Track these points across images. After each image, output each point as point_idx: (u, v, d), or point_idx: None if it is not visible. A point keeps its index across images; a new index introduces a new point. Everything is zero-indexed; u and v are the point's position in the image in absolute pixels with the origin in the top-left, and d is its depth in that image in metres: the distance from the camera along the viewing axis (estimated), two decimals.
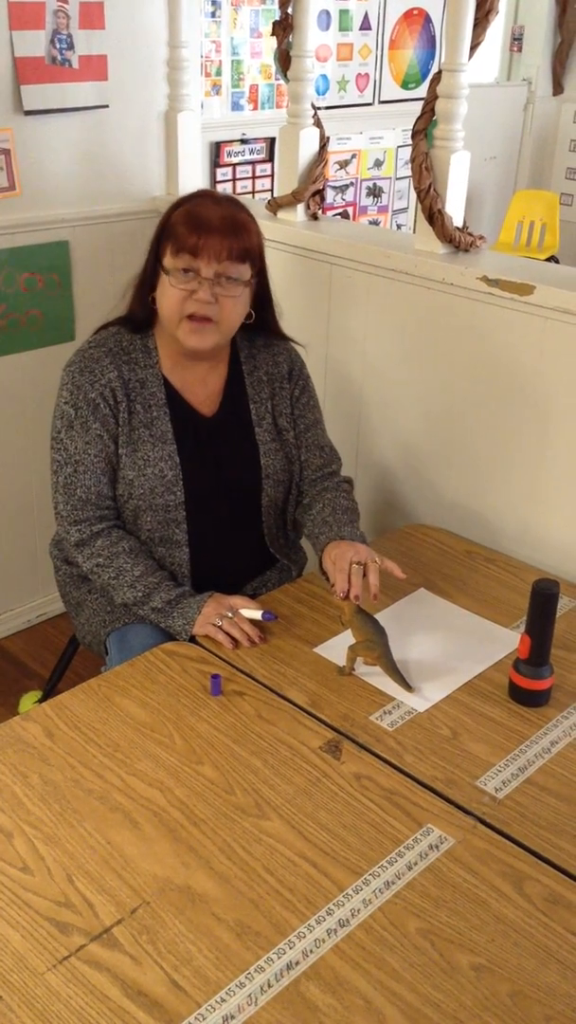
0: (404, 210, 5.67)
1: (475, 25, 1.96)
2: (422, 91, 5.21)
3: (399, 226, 5.71)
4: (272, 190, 5.26)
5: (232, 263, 1.72)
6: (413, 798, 1.42)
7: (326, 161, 2.41)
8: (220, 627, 1.73)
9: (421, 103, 2.09)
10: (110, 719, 1.56)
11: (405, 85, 5.13)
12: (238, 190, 5.06)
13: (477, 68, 1.94)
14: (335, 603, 1.70)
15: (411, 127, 2.08)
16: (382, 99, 5.06)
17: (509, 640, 1.79)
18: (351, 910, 1.24)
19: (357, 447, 2.44)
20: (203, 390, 1.88)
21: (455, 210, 2.10)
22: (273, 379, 1.93)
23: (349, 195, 5.18)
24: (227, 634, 1.72)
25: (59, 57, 2.38)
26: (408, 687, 1.64)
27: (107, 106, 2.53)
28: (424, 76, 5.19)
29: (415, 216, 2.05)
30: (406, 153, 5.49)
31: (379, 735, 1.55)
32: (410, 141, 2.07)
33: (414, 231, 2.14)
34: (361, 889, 1.27)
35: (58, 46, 2.36)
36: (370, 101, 5.01)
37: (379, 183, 5.55)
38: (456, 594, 1.95)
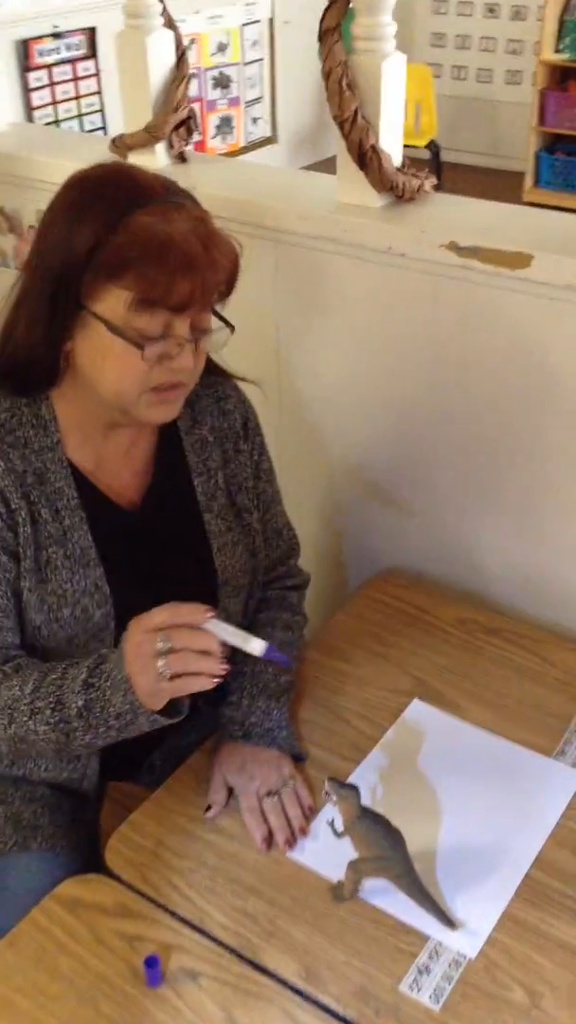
0: (258, 100, 4.87)
1: None
2: None
3: (255, 119, 4.92)
4: (99, 92, 4.43)
5: (215, 303, 1.13)
6: None
7: (186, 77, 1.72)
8: (164, 674, 0.99)
9: None
10: None
11: None
12: (58, 96, 4.22)
13: None
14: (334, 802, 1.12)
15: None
16: None
17: (558, 778, 1.25)
18: None
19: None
20: (127, 469, 1.23)
21: (393, 144, 1.45)
22: (224, 438, 1.30)
23: (193, 88, 4.38)
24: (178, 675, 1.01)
25: None
26: (450, 922, 1.08)
27: None
28: None
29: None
30: (251, 32, 4.69)
31: (422, 1021, 1.00)
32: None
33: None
34: None
35: None
36: None
37: (225, 71, 4.72)
38: (461, 699, 1.39)
